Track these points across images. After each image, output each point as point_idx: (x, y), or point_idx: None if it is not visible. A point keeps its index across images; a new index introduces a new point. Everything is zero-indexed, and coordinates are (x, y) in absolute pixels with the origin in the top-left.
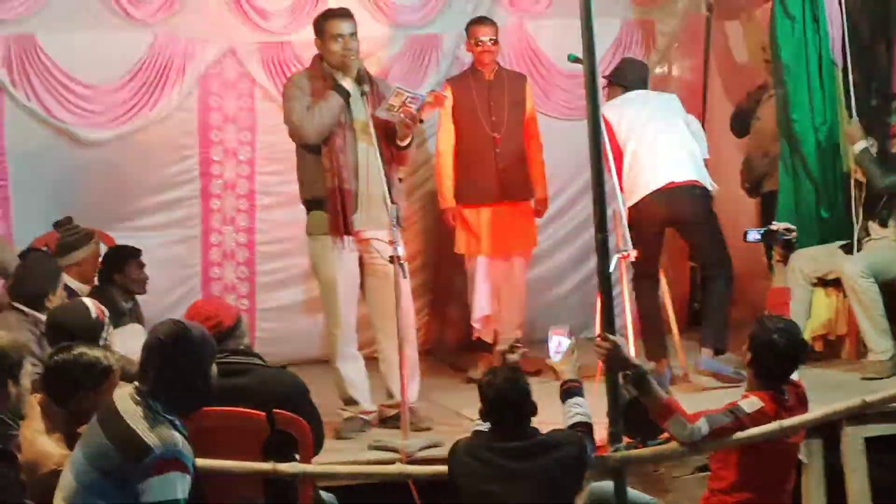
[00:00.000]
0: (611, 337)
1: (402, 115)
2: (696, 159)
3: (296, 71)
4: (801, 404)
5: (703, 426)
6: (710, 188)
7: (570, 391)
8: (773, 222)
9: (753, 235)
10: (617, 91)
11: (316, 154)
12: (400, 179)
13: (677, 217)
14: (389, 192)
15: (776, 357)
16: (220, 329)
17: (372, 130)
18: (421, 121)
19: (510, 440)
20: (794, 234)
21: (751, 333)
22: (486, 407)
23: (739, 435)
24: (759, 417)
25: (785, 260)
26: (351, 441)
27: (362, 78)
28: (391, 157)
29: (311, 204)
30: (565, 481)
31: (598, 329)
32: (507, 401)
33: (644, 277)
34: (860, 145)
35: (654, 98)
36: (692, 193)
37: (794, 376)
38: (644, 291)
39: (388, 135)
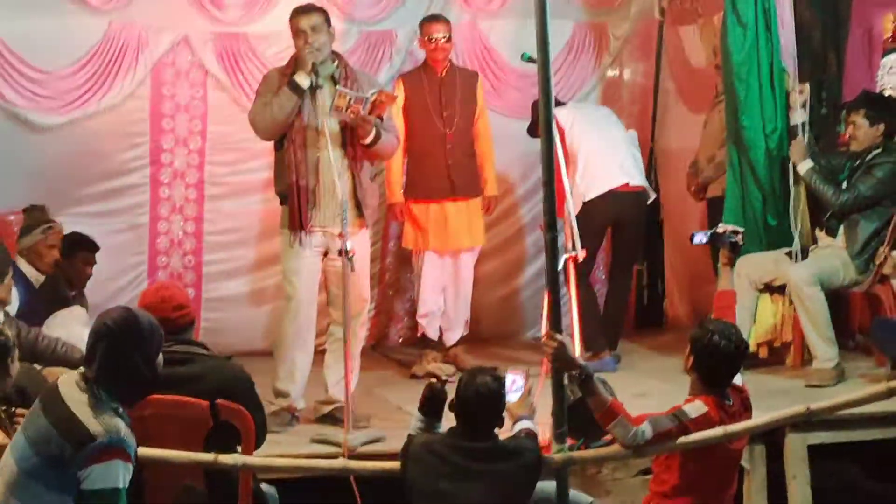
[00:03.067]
0: (557, 336)
1: (351, 116)
2: (641, 168)
3: (267, 68)
4: (746, 410)
5: (646, 430)
6: (650, 195)
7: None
8: (720, 224)
9: (700, 238)
10: None
11: (281, 150)
12: (372, 178)
13: (623, 218)
14: (356, 190)
15: (718, 360)
16: (186, 320)
17: (327, 128)
18: (380, 118)
19: (471, 441)
20: (741, 235)
21: (692, 337)
22: (459, 404)
23: (684, 439)
24: (702, 422)
25: (731, 263)
26: (293, 434)
27: (317, 71)
28: (359, 154)
29: (280, 198)
30: (520, 487)
31: (544, 328)
32: (482, 404)
33: (582, 273)
34: (806, 164)
35: (594, 107)
36: (640, 198)
37: (739, 381)
38: (581, 285)
39: (354, 132)
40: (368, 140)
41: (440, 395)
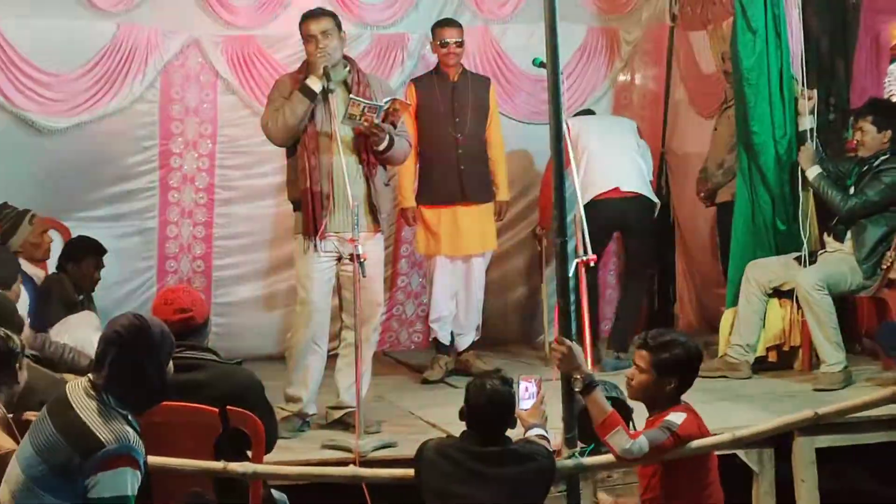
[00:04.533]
0: (567, 341)
1: (365, 124)
2: (643, 175)
3: (277, 71)
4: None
5: (643, 443)
6: (654, 201)
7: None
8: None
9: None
10: None
11: (294, 156)
12: (387, 183)
13: (627, 223)
14: (370, 195)
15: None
16: (188, 325)
17: (338, 134)
18: (393, 125)
19: (484, 445)
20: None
21: (677, 357)
22: (470, 409)
23: (698, 443)
24: (687, 426)
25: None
26: (304, 440)
27: (329, 76)
28: (373, 159)
29: (294, 204)
30: (532, 493)
31: (555, 333)
32: (493, 407)
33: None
34: (814, 170)
35: (611, 118)
36: (642, 203)
37: None
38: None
39: (368, 139)
40: (382, 147)
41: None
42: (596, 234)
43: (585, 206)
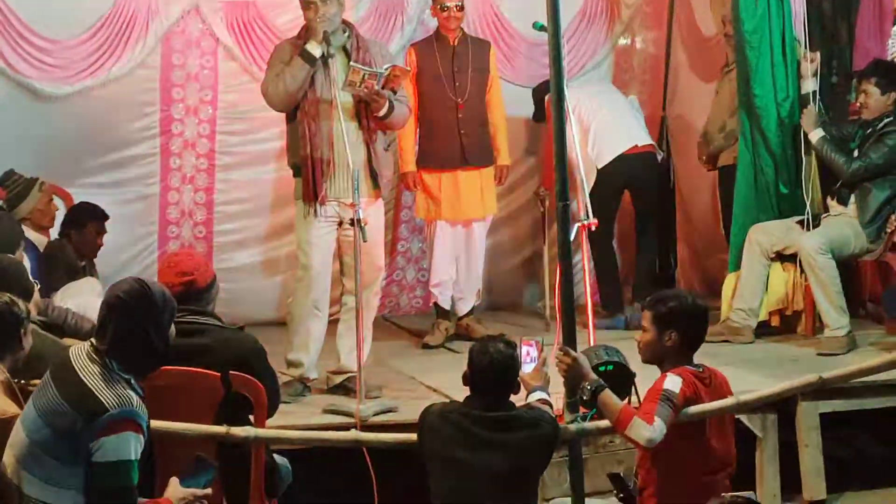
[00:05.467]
0: (571, 352)
1: (364, 91)
2: (645, 128)
3: (278, 37)
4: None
5: (660, 426)
6: (660, 154)
7: (534, 390)
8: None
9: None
10: None
11: (294, 122)
12: (386, 148)
13: (638, 180)
14: (370, 160)
15: (702, 322)
16: (190, 288)
17: (339, 100)
18: (393, 91)
19: (487, 410)
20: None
21: (672, 310)
22: (473, 373)
23: (697, 409)
24: (685, 391)
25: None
26: (305, 404)
27: (329, 41)
28: (373, 125)
29: (294, 170)
30: (535, 459)
31: (557, 297)
32: (496, 371)
33: (602, 235)
34: (817, 133)
35: (594, 82)
36: (651, 158)
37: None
38: (604, 247)
39: (368, 105)
40: (382, 113)
41: None
42: (610, 195)
43: (599, 171)
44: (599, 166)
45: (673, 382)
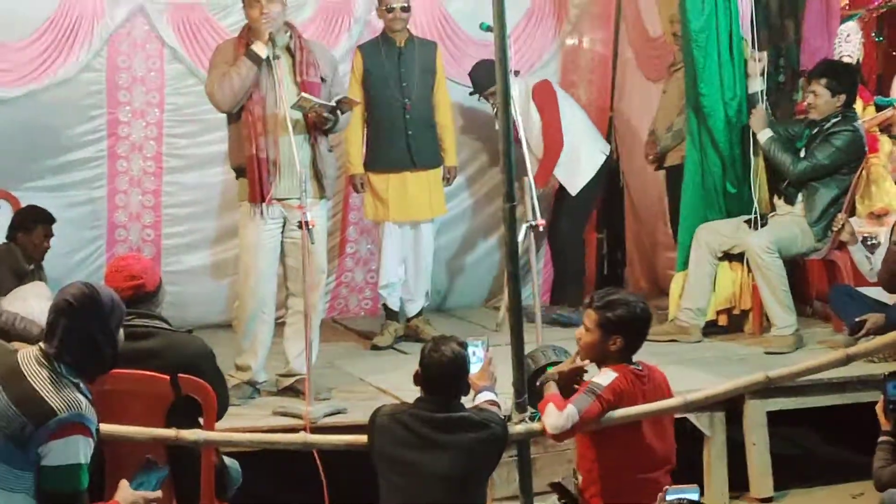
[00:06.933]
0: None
1: (312, 115)
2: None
3: (224, 39)
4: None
5: (572, 412)
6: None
7: (481, 390)
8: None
9: None
10: None
11: (237, 122)
12: (330, 149)
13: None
14: (315, 161)
15: (644, 326)
16: (139, 292)
17: (285, 100)
18: (342, 111)
19: (437, 411)
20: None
21: (618, 317)
22: (425, 373)
23: (643, 408)
24: (616, 388)
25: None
26: (255, 407)
27: (274, 41)
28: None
29: (237, 171)
30: (484, 460)
31: (506, 298)
32: (447, 372)
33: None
34: (766, 133)
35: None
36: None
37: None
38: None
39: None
40: (328, 127)
41: None
42: (592, 199)
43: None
44: (578, 189)
45: (604, 377)
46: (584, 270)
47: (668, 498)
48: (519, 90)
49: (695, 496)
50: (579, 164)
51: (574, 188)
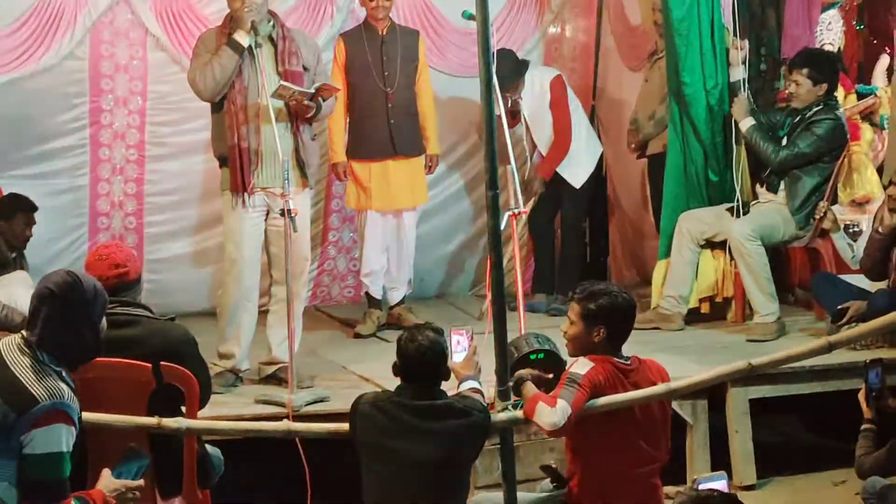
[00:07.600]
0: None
1: (293, 102)
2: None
3: (207, 27)
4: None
5: (564, 406)
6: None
7: (465, 379)
8: None
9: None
10: None
11: (220, 111)
12: (314, 137)
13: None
14: (297, 150)
15: (627, 316)
16: (122, 280)
17: (266, 90)
18: (323, 99)
19: (419, 399)
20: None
21: (602, 307)
22: (403, 363)
23: (627, 396)
24: (593, 375)
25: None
26: (237, 395)
27: (257, 30)
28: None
29: (221, 160)
30: (467, 447)
31: (487, 285)
32: (425, 360)
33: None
34: (748, 122)
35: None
36: None
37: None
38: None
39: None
40: (309, 115)
41: None
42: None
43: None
44: (579, 185)
45: (580, 366)
46: (584, 258)
47: (699, 487)
48: (533, 83)
49: (723, 484)
50: (581, 158)
51: (578, 181)
